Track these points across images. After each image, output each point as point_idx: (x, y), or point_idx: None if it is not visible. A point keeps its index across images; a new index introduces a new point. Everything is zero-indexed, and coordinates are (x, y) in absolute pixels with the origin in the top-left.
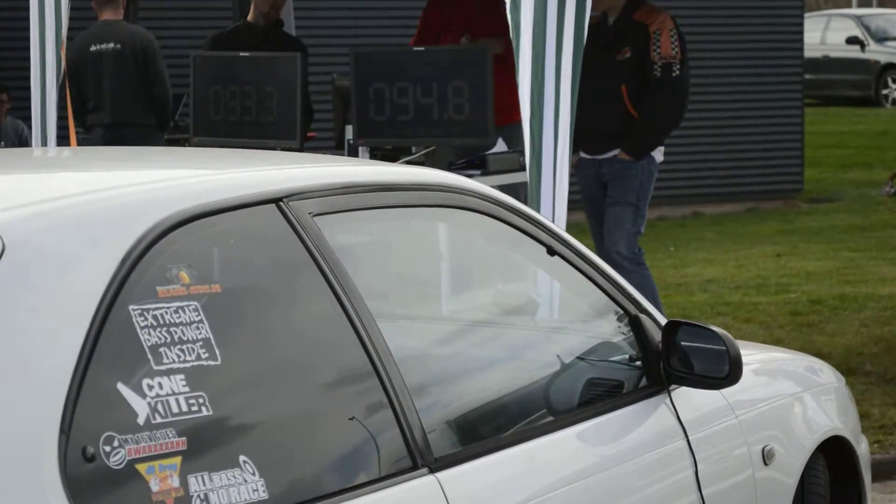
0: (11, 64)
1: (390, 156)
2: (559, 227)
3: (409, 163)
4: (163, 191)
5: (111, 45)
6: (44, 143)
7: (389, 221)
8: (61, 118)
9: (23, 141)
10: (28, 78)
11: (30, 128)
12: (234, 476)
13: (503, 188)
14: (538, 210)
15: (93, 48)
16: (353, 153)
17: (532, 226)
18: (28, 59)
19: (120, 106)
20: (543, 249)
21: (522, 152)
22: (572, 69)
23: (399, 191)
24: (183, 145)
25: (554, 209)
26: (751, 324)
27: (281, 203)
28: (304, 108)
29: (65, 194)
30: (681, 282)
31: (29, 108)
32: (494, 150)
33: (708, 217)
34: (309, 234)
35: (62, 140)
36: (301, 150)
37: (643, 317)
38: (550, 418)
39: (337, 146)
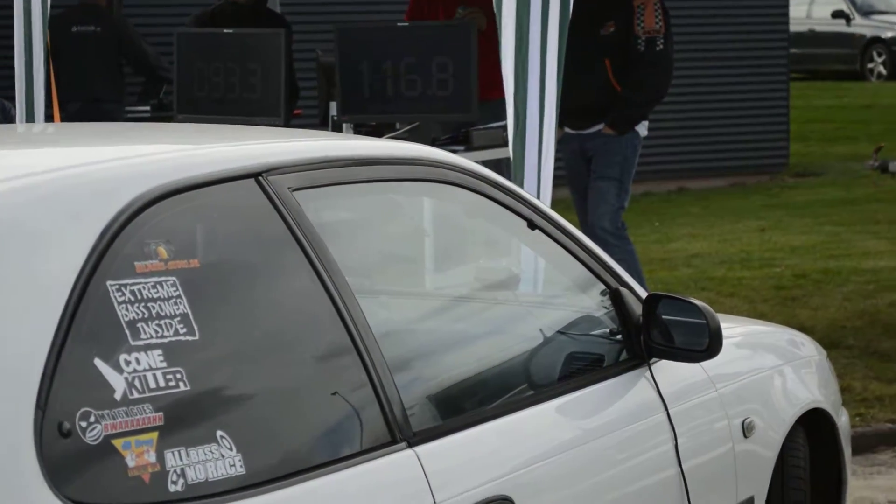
0: None
1: (375, 132)
2: (542, 202)
3: (393, 139)
4: (141, 166)
5: (92, 27)
6: (30, 121)
7: (370, 196)
8: (46, 97)
9: (9, 120)
10: (9, 58)
11: (15, 107)
12: (211, 451)
13: (487, 163)
14: (522, 186)
15: (74, 29)
16: (338, 130)
17: (513, 200)
18: (9, 38)
19: (99, 84)
20: (524, 224)
21: (506, 127)
22: (558, 44)
23: (379, 165)
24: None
25: (539, 185)
26: (735, 298)
27: (260, 178)
28: (289, 85)
29: (43, 169)
30: (665, 257)
31: (10, 89)
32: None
33: (693, 192)
34: (288, 208)
35: (48, 119)
36: (286, 126)
37: (623, 290)
38: (530, 392)
39: (321, 123)
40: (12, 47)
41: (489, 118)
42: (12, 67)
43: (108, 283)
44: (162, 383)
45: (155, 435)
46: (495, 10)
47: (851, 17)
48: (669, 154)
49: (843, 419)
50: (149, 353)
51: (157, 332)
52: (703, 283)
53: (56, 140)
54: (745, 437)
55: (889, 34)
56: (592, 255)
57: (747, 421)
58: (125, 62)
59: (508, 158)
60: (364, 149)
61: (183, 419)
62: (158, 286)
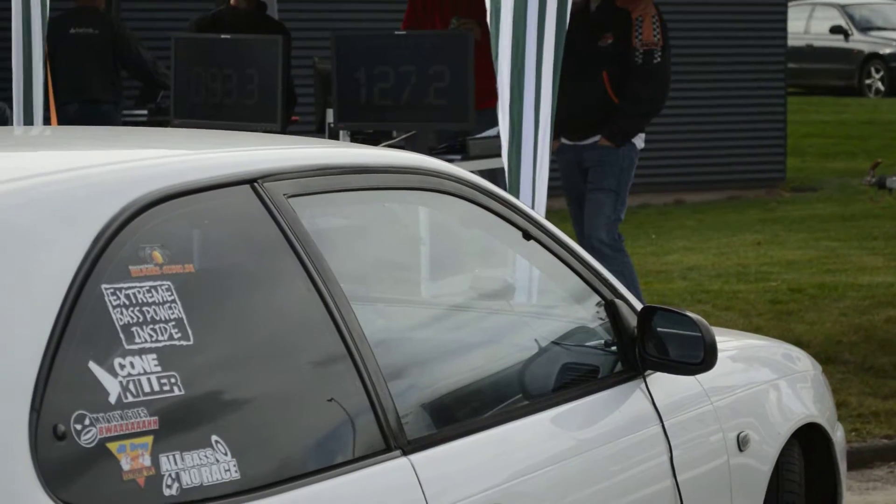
0: None
1: (371, 140)
2: (536, 213)
3: (389, 147)
4: (137, 170)
5: (90, 29)
6: (28, 123)
7: (365, 204)
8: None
9: (5, 122)
10: (6, 59)
11: (11, 108)
12: (205, 456)
13: (483, 173)
14: (517, 196)
15: (72, 31)
16: (334, 137)
17: (508, 210)
18: (7, 40)
19: (96, 86)
20: (519, 234)
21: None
22: (554, 56)
23: (375, 173)
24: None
25: (534, 195)
26: (730, 311)
27: (255, 184)
28: (287, 92)
29: (39, 172)
30: (661, 269)
31: (6, 90)
32: (487, 134)
33: (690, 205)
34: (283, 215)
35: (45, 121)
36: (282, 133)
37: (619, 302)
38: (525, 402)
39: (318, 130)
40: (9, 49)
41: (484, 127)
42: (9, 69)
43: (103, 286)
44: (156, 387)
45: (150, 439)
46: (490, 20)
47: (850, 32)
48: (667, 167)
49: (838, 434)
50: (143, 357)
51: (151, 336)
52: (699, 295)
53: (52, 143)
54: (741, 450)
55: (887, 50)
56: (587, 266)
57: (742, 434)
58: (122, 66)
59: (504, 168)
60: (360, 157)
61: (177, 423)
62: (153, 290)
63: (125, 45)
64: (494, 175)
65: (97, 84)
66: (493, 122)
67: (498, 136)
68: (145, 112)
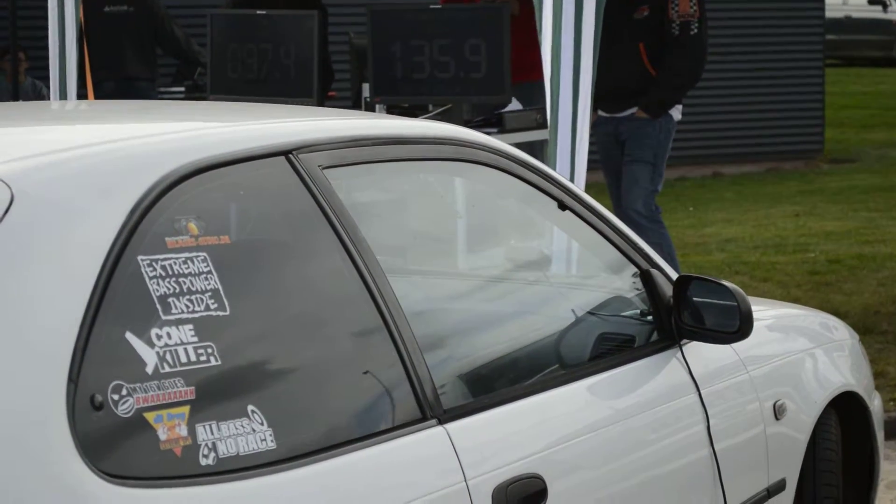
0: (27, 24)
1: (407, 114)
2: (572, 184)
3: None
4: (173, 142)
5: (124, 7)
6: (63, 100)
7: (400, 175)
8: (78, 76)
9: (41, 99)
10: (44, 38)
11: (48, 87)
12: (242, 425)
13: (520, 146)
14: (555, 169)
15: (107, 9)
16: (370, 111)
17: (543, 180)
18: (44, 18)
19: (132, 64)
20: (555, 204)
21: (538, 110)
22: (594, 27)
23: (410, 144)
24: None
25: (573, 168)
26: (769, 283)
27: (290, 155)
28: (323, 68)
29: (75, 145)
30: (699, 241)
31: (45, 69)
32: (508, 108)
33: (728, 177)
34: (319, 186)
35: (80, 98)
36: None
37: (654, 271)
38: (561, 372)
39: (354, 105)
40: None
41: (520, 101)
42: (47, 48)
43: (140, 258)
44: (193, 358)
45: (186, 409)
46: None
47: (888, 3)
48: (704, 139)
49: (875, 403)
50: (180, 327)
51: (188, 307)
52: (736, 267)
53: (88, 117)
54: (777, 419)
55: None
56: (623, 237)
57: (779, 403)
58: (156, 43)
59: (541, 142)
60: (395, 128)
61: (214, 393)
62: (189, 262)
63: (159, 23)
64: (532, 148)
65: (132, 62)
66: (530, 97)
67: (527, 109)
68: (182, 89)
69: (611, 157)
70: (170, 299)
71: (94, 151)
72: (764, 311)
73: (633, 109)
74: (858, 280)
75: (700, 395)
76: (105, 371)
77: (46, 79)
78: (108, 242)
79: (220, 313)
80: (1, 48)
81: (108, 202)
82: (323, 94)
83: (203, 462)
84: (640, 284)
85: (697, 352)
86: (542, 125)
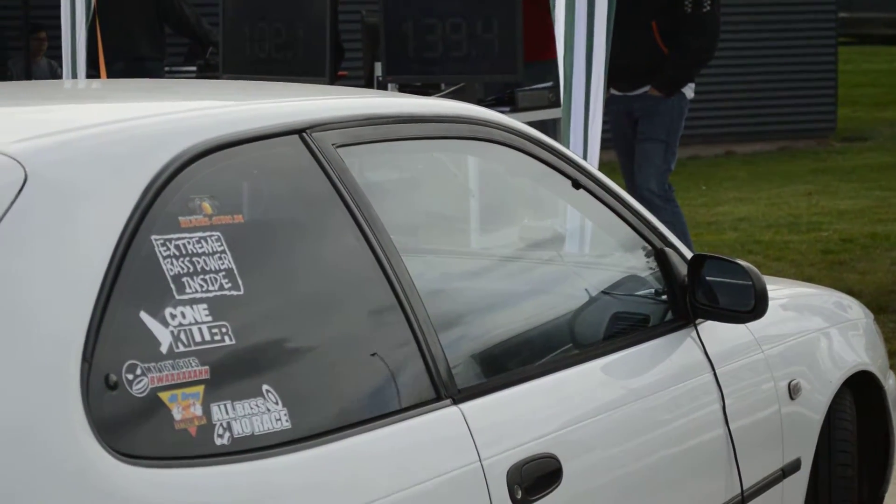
0: (47, 2)
1: (420, 93)
2: (586, 162)
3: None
4: (186, 121)
5: None
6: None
7: (414, 153)
8: (90, 57)
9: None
10: (57, 17)
11: (61, 66)
12: (256, 405)
13: (534, 125)
14: (568, 147)
15: None
16: (383, 90)
17: (557, 159)
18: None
19: (142, 43)
20: (569, 183)
21: (551, 88)
22: (607, 7)
23: (423, 122)
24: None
25: (586, 147)
26: (782, 262)
27: (304, 134)
28: (334, 46)
29: (88, 124)
30: (712, 220)
31: (59, 48)
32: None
33: (740, 156)
34: (332, 165)
35: (91, 77)
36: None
37: (669, 250)
38: (576, 352)
39: (366, 84)
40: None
41: (533, 80)
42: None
43: (153, 237)
44: (207, 337)
45: (201, 388)
46: None
47: None
48: (717, 118)
49: (890, 382)
50: (194, 307)
51: (202, 286)
52: (749, 246)
53: (100, 95)
54: (792, 398)
55: None
56: (637, 215)
57: (794, 383)
58: (165, 23)
59: (554, 120)
60: (408, 106)
61: (228, 373)
62: (203, 241)
63: (168, 3)
64: (545, 126)
65: (142, 42)
66: (542, 76)
67: (540, 87)
68: (194, 68)
69: (624, 136)
70: (184, 279)
71: (107, 130)
72: (778, 291)
73: (646, 88)
74: (872, 259)
75: (715, 374)
76: (119, 351)
77: (61, 58)
78: (122, 222)
79: (235, 293)
80: (31, 26)
81: (121, 181)
82: (334, 73)
83: (218, 441)
84: (654, 263)
85: (712, 331)
86: (554, 104)
